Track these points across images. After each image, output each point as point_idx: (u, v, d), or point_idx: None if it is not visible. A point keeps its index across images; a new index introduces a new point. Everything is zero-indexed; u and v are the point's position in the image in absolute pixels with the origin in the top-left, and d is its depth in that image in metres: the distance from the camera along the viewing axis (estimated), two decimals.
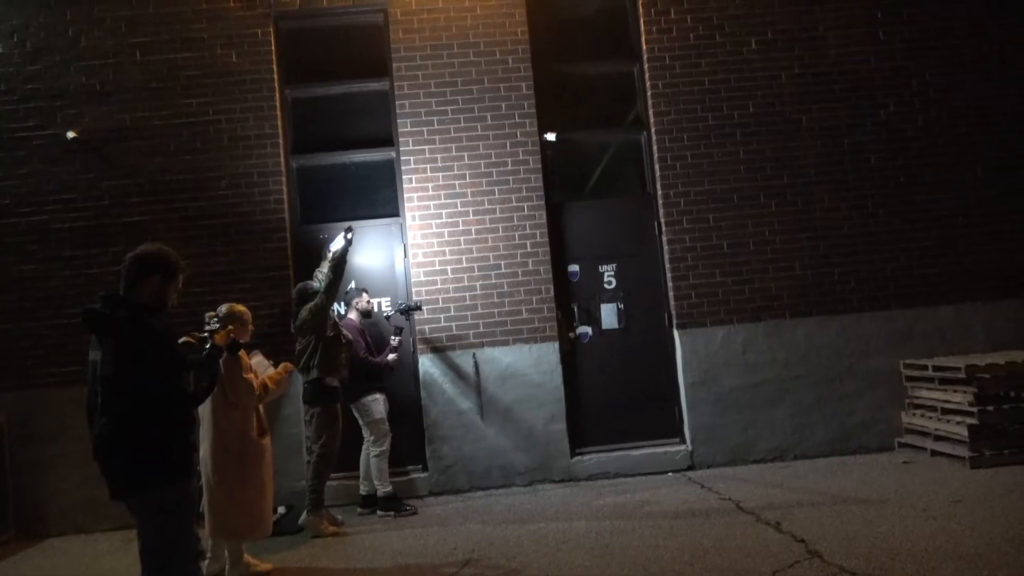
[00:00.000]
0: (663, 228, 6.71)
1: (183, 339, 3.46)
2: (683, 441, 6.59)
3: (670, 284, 6.66)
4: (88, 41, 6.58)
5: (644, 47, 6.82)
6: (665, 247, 6.70)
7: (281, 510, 5.67)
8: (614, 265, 6.80)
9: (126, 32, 6.58)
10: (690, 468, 6.42)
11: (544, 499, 5.90)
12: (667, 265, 6.68)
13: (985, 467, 5.56)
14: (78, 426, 5.65)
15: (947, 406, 5.97)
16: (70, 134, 6.45)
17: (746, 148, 6.73)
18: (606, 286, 6.80)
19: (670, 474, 6.36)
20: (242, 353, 4.53)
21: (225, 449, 4.43)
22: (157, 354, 2.99)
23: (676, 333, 6.62)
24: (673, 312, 6.64)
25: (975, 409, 5.66)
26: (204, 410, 4.49)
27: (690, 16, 6.83)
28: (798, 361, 6.55)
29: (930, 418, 6.16)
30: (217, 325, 4.00)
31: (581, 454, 6.50)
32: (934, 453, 6.03)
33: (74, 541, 5.90)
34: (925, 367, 6.26)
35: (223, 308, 4.61)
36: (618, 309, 6.76)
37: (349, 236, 5.54)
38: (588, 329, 6.75)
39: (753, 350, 6.55)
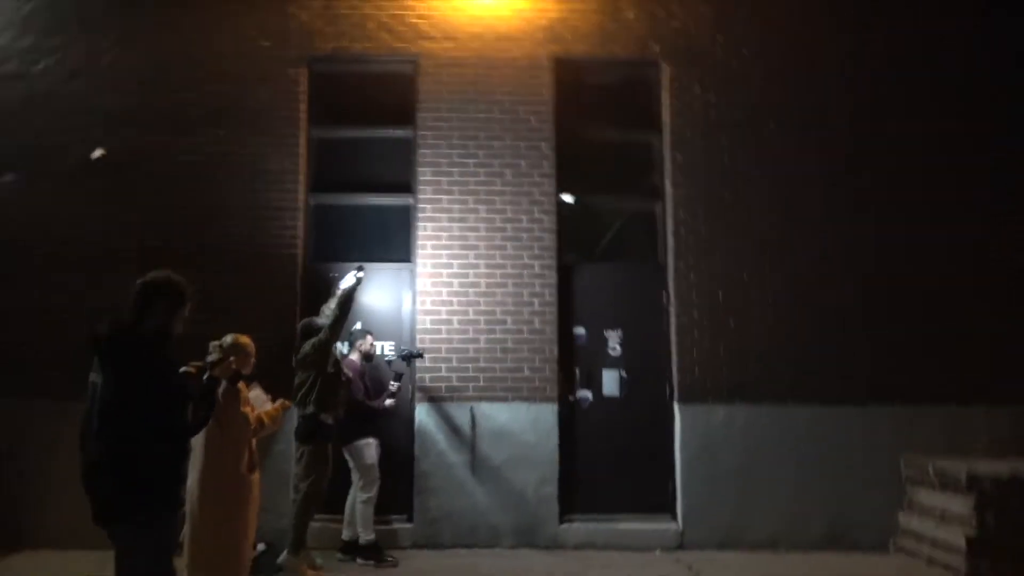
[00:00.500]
0: (671, 299, 6.72)
1: (184, 368, 3.45)
2: (674, 518, 6.46)
3: (674, 356, 6.63)
4: (124, 67, 6.73)
5: (667, 120, 6.94)
6: (672, 319, 6.69)
7: (260, 547, 5.54)
8: (620, 331, 6.78)
9: (162, 61, 6.73)
10: (679, 548, 6.28)
11: (528, 565, 5.77)
12: (673, 337, 6.66)
13: None
14: (68, 441, 5.64)
15: (946, 513, 5.74)
16: (96, 153, 6.56)
17: (760, 228, 6.77)
18: (610, 352, 6.77)
19: (658, 552, 6.20)
20: (241, 385, 4.50)
21: (213, 483, 4.35)
22: (159, 384, 2.99)
23: (676, 407, 6.56)
24: (675, 385, 6.59)
25: (975, 519, 5.44)
26: (196, 441, 4.41)
27: (713, 94, 6.96)
28: (797, 448, 6.43)
29: (928, 523, 5.93)
30: (219, 356, 3.99)
31: (570, 521, 6.37)
32: (931, 561, 5.80)
33: (51, 556, 5.77)
34: (926, 468, 6.06)
35: (228, 338, 4.59)
36: (620, 376, 6.71)
37: (359, 275, 5.58)
38: (588, 394, 6.71)
39: (753, 432, 6.45)
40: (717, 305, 6.66)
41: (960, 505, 5.61)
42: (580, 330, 6.80)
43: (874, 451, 6.43)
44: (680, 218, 6.79)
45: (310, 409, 5.39)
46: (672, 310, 6.71)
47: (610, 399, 6.71)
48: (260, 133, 6.69)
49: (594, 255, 7.12)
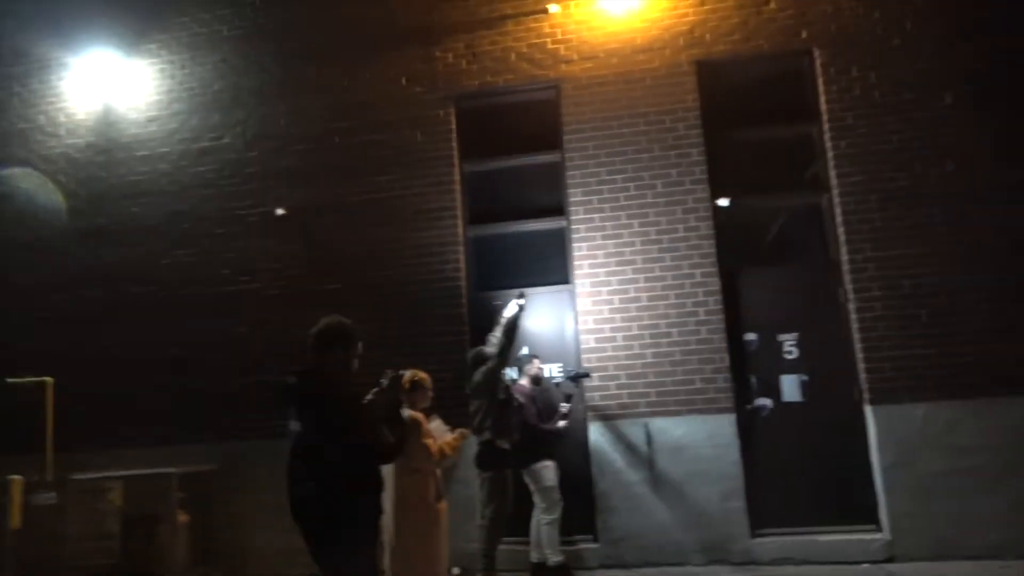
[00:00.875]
0: (850, 296, 6.29)
1: (367, 398, 3.70)
2: (879, 529, 6.00)
3: (860, 356, 6.19)
4: (296, 129, 7.39)
5: (824, 108, 6.56)
6: (853, 316, 6.26)
7: (456, 571, 5.78)
8: (795, 334, 6.44)
9: (328, 119, 7.32)
10: (889, 560, 5.80)
11: None
12: (856, 335, 6.23)
13: None
14: (278, 479, 6.21)
15: None
16: (279, 211, 7.24)
17: (945, 209, 6.21)
18: (786, 356, 6.44)
19: (865, 565, 5.78)
20: (421, 418, 4.74)
21: (405, 513, 4.60)
22: (352, 419, 3.24)
23: (868, 409, 6.12)
24: (864, 386, 6.14)
25: None
26: (386, 475, 4.72)
27: (874, 73, 6.50)
28: (1015, 446, 5.79)
29: None
30: (390, 381, 4.19)
31: (762, 535, 6.09)
32: None
33: None
34: None
35: (406, 373, 4.86)
36: (800, 381, 6.36)
37: (521, 302, 5.72)
38: (767, 401, 6.41)
39: (960, 431, 5.87)
40: (903, 296, 6.16)
41: None
42: (751, 336, 6.53)
43: None
44: (850, 209, 6.37)
45: (486, 436, 5.57)
46: (852, 306, 6.27)
47: (792, 405, 6.37)
48: (417, 174, 7.07)
49: (759, 258, 6.82)
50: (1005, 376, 5.91)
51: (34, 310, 7.51)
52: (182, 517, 6.26)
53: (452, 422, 5.44)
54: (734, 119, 6.85)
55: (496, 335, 5.78)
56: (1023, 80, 6.26)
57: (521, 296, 5.78)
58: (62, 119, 7.90)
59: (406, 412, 4.28)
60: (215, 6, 7.71)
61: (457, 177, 7.07)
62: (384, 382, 3.66)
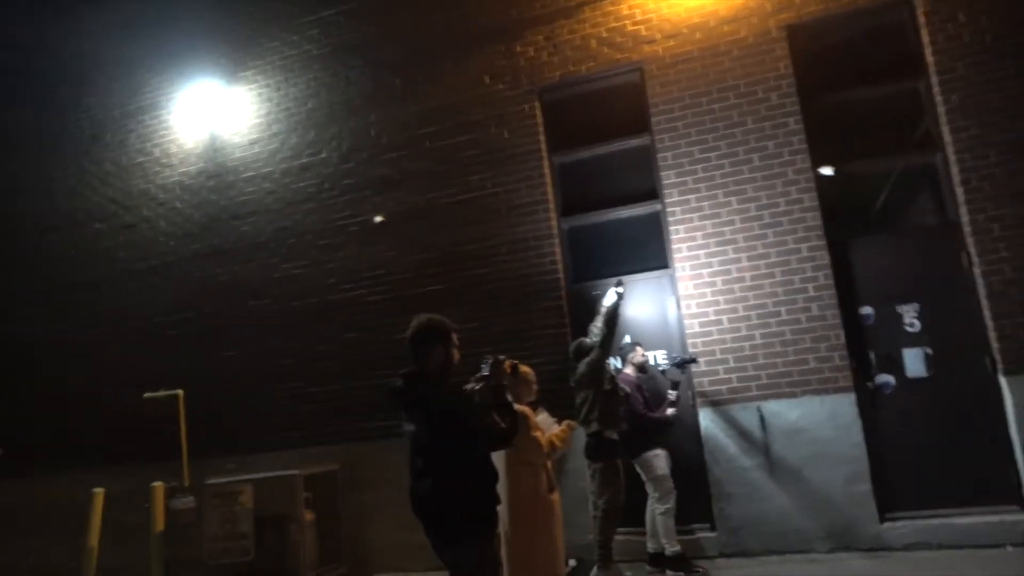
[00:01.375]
0: (974, 260, 5.86)
1: (468, 386, 3.74)
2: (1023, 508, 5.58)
3: (990, 323, 5.76)
4: (387, 138, 7.60)
5: (930, 60, 6.13)
6: (980, 281, 5.83)
7: (572, 563, 5.79)
8: (915, 305, 6.05)
9: (417, 125, 7.49)
10: None
11: (853, 570, 5.31)
12: (984, 302, 5.80)
13: None
14: (394, 477, 6.41)
15: None
16: (377, 219, 7.46)
17: None
18: (908, 329, 6.06)
19: (1009, 548, 5.37)
20: (528, 412, 4.76)
21: (518, 506, 4.64)
22: (462, 412, 3.30)
23: (1003, 380, 5.68)
24: (997, 356, 5.70)
25: None
26: (499, 468, 4.78)
27: (984, 16, 6.01)
28: None
29: None
30: (489, 368, 4.20)
31: (892, 519, 5.77)
32: None
33: None
34: None
35: (512, 380, 4.88)
36: (925, 354, 5.98)
37: (620, 290, 5.65)
38: (889, 378, 6.05)
39: None
40: None
41: None
42: (867, 310, 6.19)
43: None
44: (968, 166, 5.92)
45: (594, 427, 5.54)
46: (977, 271, 5.84)
47: (917, 381, 5.99)
48: (507, 171, 7.12)
49: (869, 226, 6.45)
50: None
51: (162, 329, 8.10)
52: (308, 515, 6.58)
53: (558, 415, 5.43)
54: (831, 82, 6.50)
55: (597, 325, 5.74)
56: None
57: (619, 284, 5.71)
58: (174, 149, 8.46)
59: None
60: (303, 27, 8.04)
61: (547, 170, 7.06)
62: (484, 368, 3.69)
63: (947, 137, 6.04)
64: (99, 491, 7.20)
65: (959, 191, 5.96)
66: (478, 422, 3.37)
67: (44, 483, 8.11)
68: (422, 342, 3.52)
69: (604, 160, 7.13)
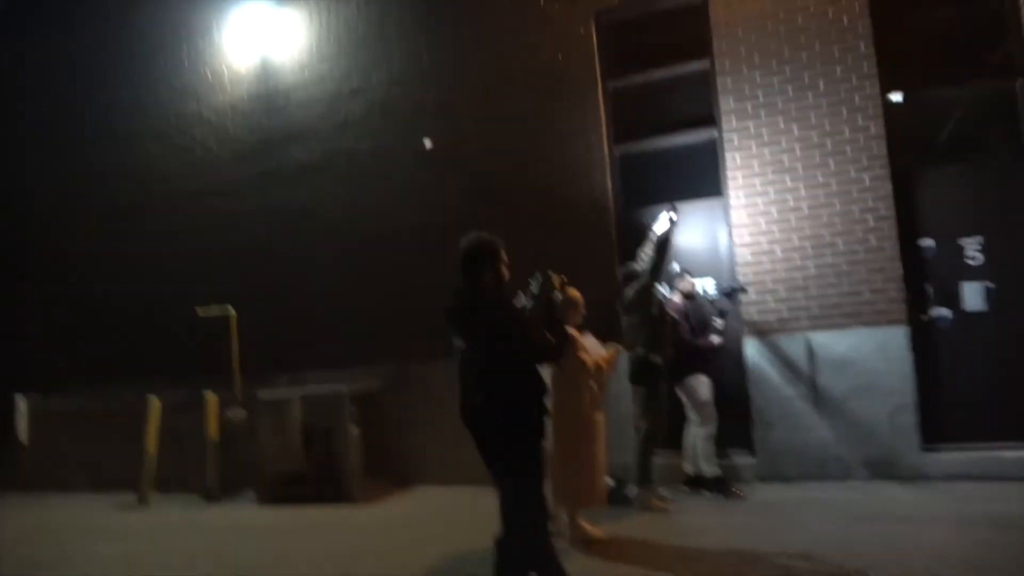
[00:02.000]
0: None
1: (521, 303, 3.77)
2: None
3: None
4: (438, 61, 7.52)
5: None
6: None
7: (611, 482, 5.92)
8: (980, 238, 5.85)
9: (467, 48, 7.39)
10: None
11: (890, 497, 5.34)
12: None
13: None
14: (438, 395, 6.63)
15: None
16: (427, 143, 7.45)
17: None
18: (969, 262, 5.87)
19: None
20: (576, 333, 4.82)
21: (562, 423, 4.77)
22: (511, 327, 3.36)
23: None
24: None
25: None
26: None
27: None
28: None
29: None
30: (538, 285, 4.22)
31: (935, 450, 5.74)
32: None
33: (437, 491, 6.88)
34: None
35: (559, 294, 4.92)
36: (986, 289, 5.81)
37: (673, 216, 5.59)
38: (946, 312, 5.91)
39: None
40: None
41: None
42: (928, 242, 6.01)
43: None
44: None
45: (640, 351, 5.58)
46: None
47: (975, 315, 5.84)
48: (560, 95, 7.00)
49: (936, 156, 6.18)
50: None
51: (215, 249, 8.34)
52: (354, 430, 6.85)
53: (606, 339, 5.49)
54: (906, 3, 6.16)
55: (647, 251, 5.71)
56: None
57: (672, 210, 5.64)
58: (226, 72, 8.53)
59: None
60: None
61: (600, 95, 6.92)
62: (534, 284, 3.73)
63: None
64: (155, 399, 7.65)
65: None
66: (529, 335, 3.42)
67: (104, 393, 8.58)
68: (473, 260, 3.56)
69: (660, 85, 6.95)
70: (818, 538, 4.49)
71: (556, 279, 3.89)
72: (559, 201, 6.93)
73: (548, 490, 4.79)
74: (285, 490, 6.90)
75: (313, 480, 6.87)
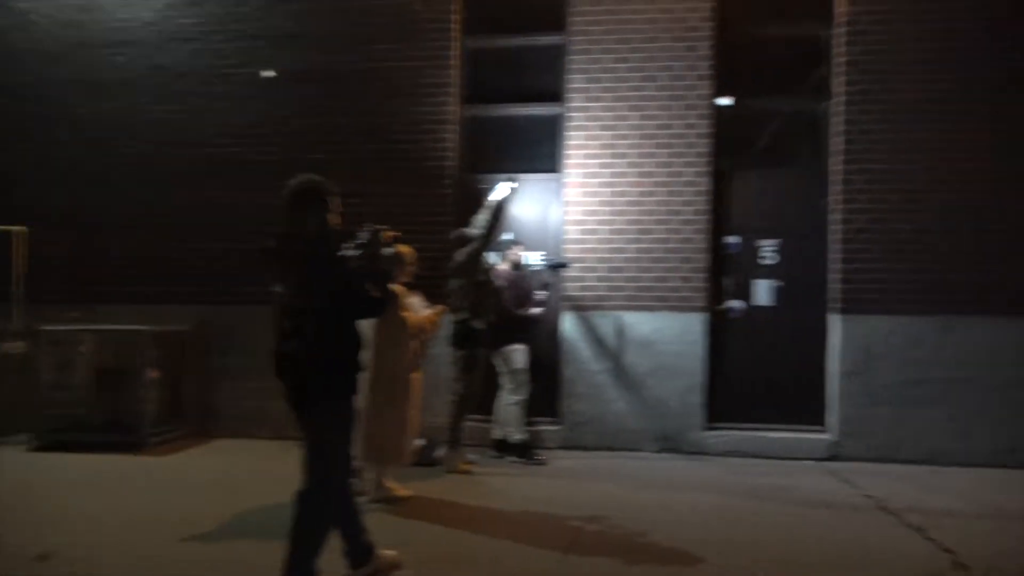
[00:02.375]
0: (836, 206, 6.30)
1: (347, 253, 3.62)
2: (826, 430, 6.31)
3: (837, 265, 6.28)
4: None
5: (841, 10, 6.32)
6: (837, 227, 6.29)
7: (420, 442, 5.99)
8: (777, 241, 6.51)
9: None
10: (831, 459, 6.14)
11: (674, 468, 5.88)
12: (835, 245, 6.30)
13: None
14: (250, 343, 6.32)
15: None
16: (266, 74, 6.98)
17: (944, 129, 6.14)
18: (764, 261, 6.53)
19: (809, 462, 6.10)
20: (400, 291, 4.79)
21: (378, 380, 4.73)
22: (335, 276, 3.25)
23: (833, 318, 6.28)
24: (836, 296, 6.27)
25: None
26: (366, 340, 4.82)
27: None
28: (967, 362, 6.02)
29: None
30: (368, 237, 4.11)
31: (716, 429, 6.38)
32: None
33: (238, 444, 6.56)
34: None
35: (388, 250, 4.85)
36: (774, 287, 6.49)
37: (513, 185, 5.67)
38: (739, 304, 6.54)
39: (919, 345, 6.08)
40: (888, 211, 6.18)
41: None
42: (733, 239, 6.58)
43: None
44: (852, 118, 6.26)
45: (463, 315, 5.65)
46: (836, 217, 6.30)
47: (762, 309, 6.53)
48: (415, 46, 6.80)
49: (752, 161, 6.75)
50: (974, 297, 6.06)
51: (11, 156, 7.34)
52: (153, 374, 6.38)
53: (431, 300, 5.51)
54: (748, 16, 6.61)
55: (482, 217, 5.75)
56: None
57: (512, 180, 5.72)
58: None
59: None
60: None
61: (456, 52, 6.82)
62: (364, 236, 3.61)
63: (839, 88, 6.33)
64: None
65: (837, 140, 6.31)
66: (351, 286, 3.32)
67: None
68: (300, 201, 3.38)
69: (516, 53, 6.98)
70: (607, 503, 4.85)
71: (386, 234, 3.78)
72: (402, 155, 6.79)
73: (356, 446, 4.81)
74: (66, 435, 6.26)
75: (101, 426, 6.32)
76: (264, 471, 5.54)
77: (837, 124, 6.32)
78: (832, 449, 6.18)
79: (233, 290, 6.76)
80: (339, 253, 3.35)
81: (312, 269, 3.25)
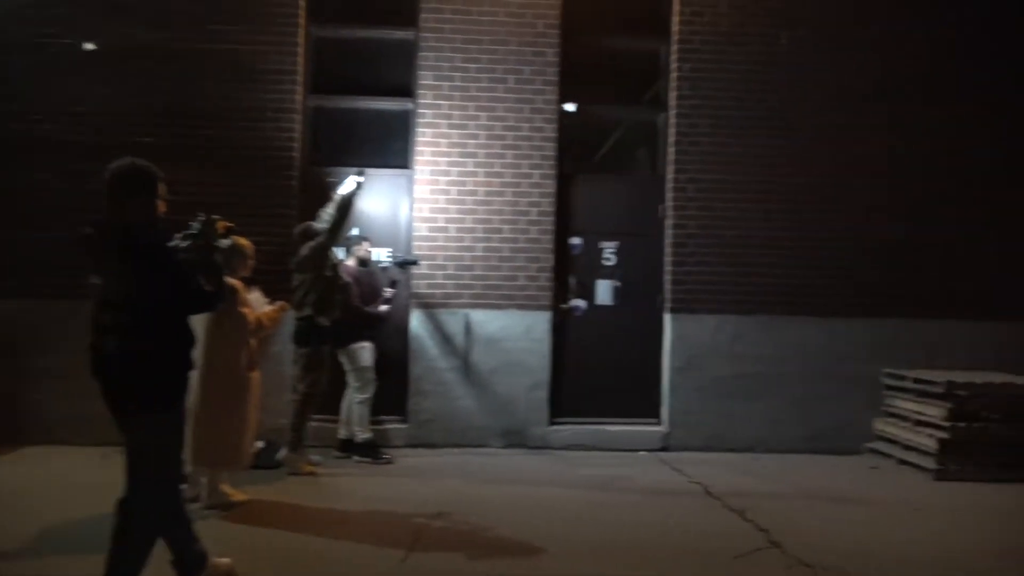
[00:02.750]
0: (668, 212, 6.74)
1: (174, 242, 3.38)
2: (660, 423, 6.72)
3: (668, 268, 6.71)
4: None
5: (675, 28, 6.75)
6: (669, 231, 6.72)
7: (260, 444, 5.74)
8: (617, 242, 6.85)
9: None
10: (664, 449, 6.56)
11: (518, 463, 6.02)
12: (668, 248, 6.73)
13: (949, 480, 5.69)
14: (66, 341, 5.72)
15: (921, 418, 6.07)
16: (88, 46, 6.37)
17: (764, 143, 6.74)
18: (605, 262, 6.85)
19: (644, 453, 6.48)
20: (240, 286, 4.56)
21: (213, 379, 4.49)
22: (162, 268, 3.01)
23: (667, 317, 6.70)
24: (667, 296, 6.70)
25: (948, 424, 5.77)
26: (198, 338, 4.54)
27: (726, 2, 6.75)
28: (783, 358, 6.64)
29: (902, 428, 6.29)
30: (200, 227, 3.88)
31: (559, 424, 6.61)
32: (901, 462, 6.16)
33: (51, 452, 5.90)
34: (905, 378, 6.37)
35: (225, 241, 4.59)
36: (614, 287, 6.83)
37: (360, 179, 5.55)
38: (582, 303, 6.82)
39: (742, 342, 6.64)
40: (715, 218, 6.68)
41: (935, 411, 5.92)
42: (576, 240, 6.84)
43: (857, 362, 6.65)
44: (683, 130, 6.71)
45: (307, 312, 5.47)
46: (669, 222, 6.73)
47: (603, 308, 6.84)
48: (257, 30, 6.46)
49: (595, 166, 7.07)
50: (780, 299, 6.69)
51: None
52: None
53: (273, 296, 5.30)
54: (593, 25, 6.86)
55: (329, 211, 5.57)
56: (855, 33, 6.79)
57: (360, 174, 5.60)
58: None
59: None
60: None
61: (302, 39, 6.57)
62: (195, 226, 3.37)
63: (673, 101, 6.76)
64: None
65: (672, 150, 6.75)
66: (178, 279, 3.09)
67: None
68: (123, 186, 3.10)
69: (366, 45, 6.84)
70: (453, 499, 4.88)
71: (220, 224, 3.55)
72: (241, 143, 6.43)
73: (188, 450, 4.52)
74: None
75: None
76: (81, 481, 5.03)
77: (671, 135, 6.75)
78: (665, 440, 6.60)
79: (47, 283, 6.09)
80: (166, 243, 3.12)
81: (133, 260, 3.00)
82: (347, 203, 5.46)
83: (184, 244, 3.30)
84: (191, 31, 6.42)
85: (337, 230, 5.48)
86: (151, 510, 3.03)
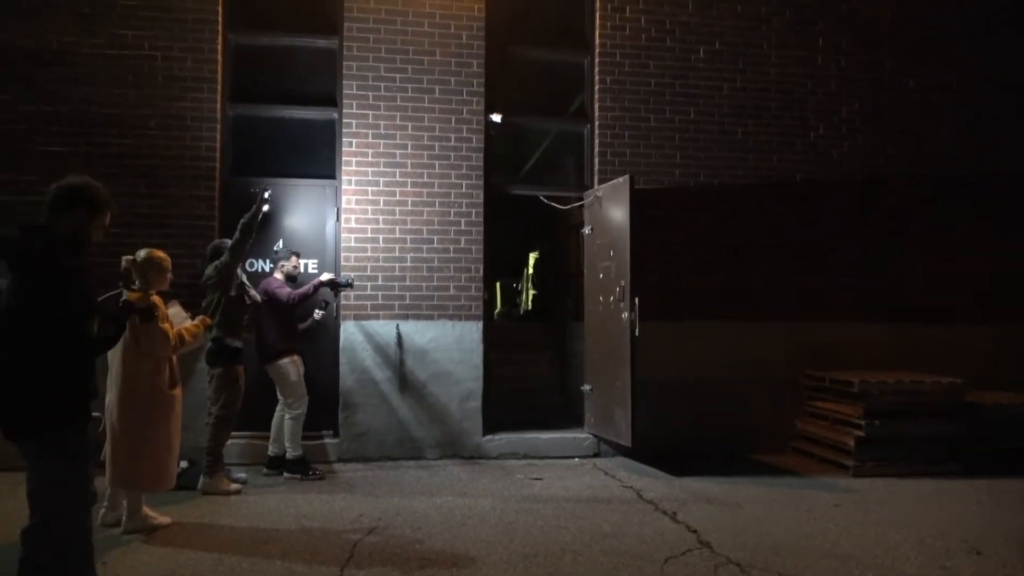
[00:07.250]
0: (587, 220, 6.86)
1: (124, 298, 3.34)
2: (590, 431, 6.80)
3: (587, 274, 6.80)
4: None
5: (597, 41, 6.91)
6: (586, 242, 6.83)
7: (184, 464, 5.53)
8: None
9: None
10: (596, 456, 6.64)
11: (453, 474, 5.98)
12: (585, 259, 6.85)
13: (867, 476, 5.97)
14: None
15: (839, 417, 6.36)
16: None
17: (683, 153, 6.96)
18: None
19: (576, 460, 6.55)
20: (159, 302, 4.40)
21: (133, 398, 4.31)
22: (68, 292, 2.87)
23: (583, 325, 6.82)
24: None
25: (863, 422, 6.06)
26: (114, 357, 4.37)
27: (644, 17, 6.96)
28: (707, 362, 6.83)
29: (822, 427, 6.57)
30: (128, 266, 3.88)
31: (493, 433, 6.61)
32: (822, 460, 6.43)
33: None
34: (823, 379, 6.65)
35: (142, 253, 4.44)
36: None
37: (266, 197, 5.40)
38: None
39: (666, 346, 6.75)
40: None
41: (852, 410, 6.22)
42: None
43: (784, 365, 6.94)
44: (606, 141, 6.87)
45: (215, 332, 5.30)
46: (586, 231, 6.86)
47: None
48: (172, 36, 6.28)
49: (521, 176, 7.13)
50: (706, 305, 6.91)
51: None
52: None
53: (194, 310, 5.14)
54: (517, 37, 6.97)
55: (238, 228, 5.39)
56: (766, 47, 7.13)
57: (265, 190, 5.44)
58: None
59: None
60: None
61: (220, 46, 6.40)
62: (125, 300, 3.31)
63: (596, 112, 6.91)
64: None
65: (596, 161, 6.90)
66: (75, 311, 2.91)
67: None
68: (69, 201, 2.98)
69: (287, 53, 6.72)
70: (387, 513, 4.82)
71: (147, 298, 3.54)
72: (157, 153, 6.21)
73: (107, 473, 4.32)
74: None
75: None
76: None
77: (596, 146, 6.89)
78: (596, 447, 6.68)
79: None
80: (81, 266, 2.97)
81: (48, 271, 2.85)
82: (251, 221, 5.30)
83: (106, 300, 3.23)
84: (104, 36, 6.19)
85: (239, 248, 5.31)
86: (57, 539, 2.87)
